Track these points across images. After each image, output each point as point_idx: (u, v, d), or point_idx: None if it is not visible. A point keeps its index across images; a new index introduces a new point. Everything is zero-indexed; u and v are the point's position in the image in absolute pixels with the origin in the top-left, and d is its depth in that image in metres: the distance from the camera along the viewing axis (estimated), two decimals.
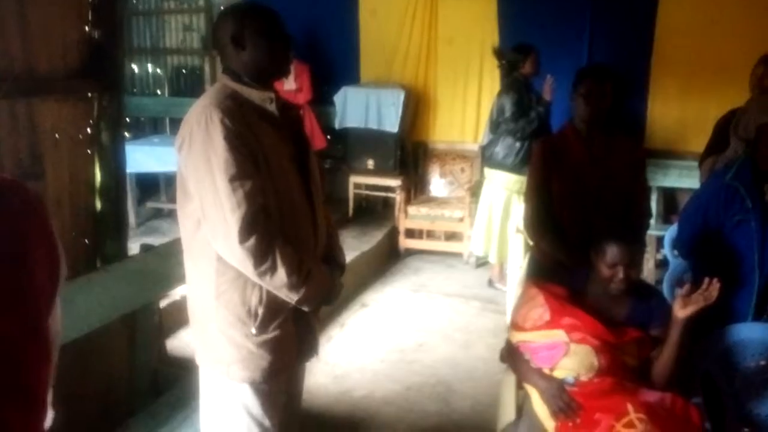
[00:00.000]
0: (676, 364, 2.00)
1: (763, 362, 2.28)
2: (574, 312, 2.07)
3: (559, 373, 2.04)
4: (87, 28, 2.44)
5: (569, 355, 2.00)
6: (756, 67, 3.24)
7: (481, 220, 4.76)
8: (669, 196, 5.10)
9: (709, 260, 2.39)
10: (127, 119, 6.13)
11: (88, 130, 2.51)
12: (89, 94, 2.48)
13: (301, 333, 1.84)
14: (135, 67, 6.91)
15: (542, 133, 4.43)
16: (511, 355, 2.20)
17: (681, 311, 1.96)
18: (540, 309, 2.10)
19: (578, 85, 2.49)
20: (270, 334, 1.73)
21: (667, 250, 3.56)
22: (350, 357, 3.65)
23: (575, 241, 2.41)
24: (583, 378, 2.01)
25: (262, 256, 1.60)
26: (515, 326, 2.17)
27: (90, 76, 2.46)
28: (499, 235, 4.63)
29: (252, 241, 1.58)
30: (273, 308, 1.72)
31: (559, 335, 2.04)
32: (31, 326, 0.82)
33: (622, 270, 2.03)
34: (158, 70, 6.88)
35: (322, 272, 1.78)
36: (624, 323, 2.13)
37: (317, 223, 1.82)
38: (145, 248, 2.59)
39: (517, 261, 3.89)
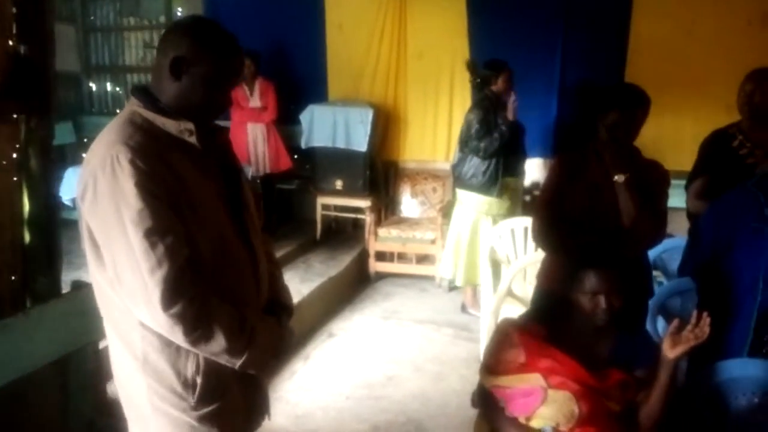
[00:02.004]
0: (665, 408, 1.81)
1: (756, 399, 2.09)
2: (552, 353, 1.87)
3: (536, 423, 1.84)
4: (11, 43, 2.20)
5: (547, 403, 1.79)
6: (744, 84, 3.11)
7: (451, 242, 4.58)
8: None
9: (714, 278, 2.21)
10: (85, 139, 5.90)
11: (14, 155, 2.26)
12: (14, 116, 2.24)
13: (249, 398, 1.60)
14: (93, 86, 6.64)
15: (511, 153, 4.33)
16: (484, 401, 1.99)
17: (671, 351, 1.77)
18: (515, 350, 1.90)
19: (603, 111, 2.30)
20: (213, 406, 1.47)
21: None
22: (314, 394, 3.40)
23: None
24: (563, 428, 1.81)
25: (193, 322, 1.34)
26: (488, 369, 1.96)
27: (15, 97, 2.21)
28: (466, 258, 4.44)
29: (179, 306, 1.31)
30: (214, 376, 1.46)
31: (535, 379, 1.83)
32: None
33: (604, 299, 1.84)
34: (117, 89, 6.60)
35: (269, 326, 1.54)
36: (607, 364, 1.93)
37: (258, 266, 1.56)
38: (78, 285, 2.33)
39: (488, 286, 3.70)
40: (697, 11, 4.72)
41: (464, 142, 4.32)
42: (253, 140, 5.09)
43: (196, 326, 1.34)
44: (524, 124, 4.40)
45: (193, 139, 1.42)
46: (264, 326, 1.50)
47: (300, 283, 4.35)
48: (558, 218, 2.38)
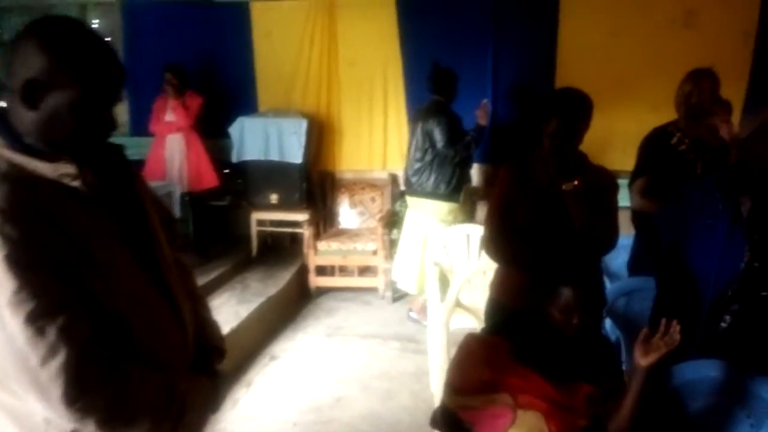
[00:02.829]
0: (634, 417, 1.75)
1: (712, 401, 2.06)
2: (518, 370, 1.77)
3: None
4: None
5: (517, 425, 1.69)
6: (683, 84, 3.16)
7: (405, 250, 4.47)
8: None
9: (671, 275, 2.17)
10: None
11: None
12: None
13: None
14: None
15: (470, 158, 4.35)
16: (448, 422, 1.86)
17: (643, 359, 1.71)
18: (480, 367, 1.79)
19: (546, 119, 2.22)
20: None
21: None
22: (259, 423, 3.20)
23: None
24: None
25: (108, 412, 1.09)
26: (453, 388, 1.84)
27: None
28: (420, 266, 4.37)
29: (87, 398, 1.06)
30: None
31: (504, 399, 1.73)
32: None
33: (577, 316, 1.77)
34: None
35: (200, 388, 1.33)
36: (573, 377, 1.86)
37: (182, 313, 1.33)
38: None
39: (435, 296, 3.61)
40: (620, 12, 4.79)
41: (424, 151, 4.23)
42: (170, 156, 4.75)
43: (113, 416, 1.10)
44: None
45: (77, 184, 1.13)
46: (195, 390, 1.30)
47: (237, 305, 4.13)
48: (509, 228, 2.29)
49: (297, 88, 5.32)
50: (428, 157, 4.22)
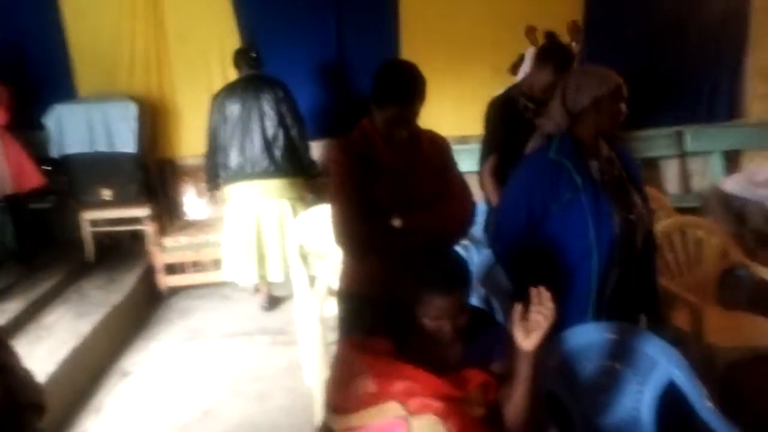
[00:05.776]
0: (534, 403, 1.63)
1: (601, 363, 2.05)
2: (404, 371, 1.59)
3: None
4: None
5: None
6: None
7: (237, 242, 4.13)
8: None
9: (535, 256, 2.09)
10: None
11: None
12: None
13: None
14: None
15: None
16: None
17: (526, 342, 1.55)
18: (362, 378, 1.59)
19: (380, 104, 2.02)
20: None
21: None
22: None
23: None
24: None
25: None
26: (335, 408, 1.62)
27: None
28: (257, 253, 4.12)
29: None
30: None
31: (393, 409, 1.54)
32: None
33: (449, 323, 1.61)
34: None
35: None
36: (461, 364, 1.72)
37: None
38: None
39: (303, 284, 3.36)
40: None
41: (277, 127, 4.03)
42: None
43: None
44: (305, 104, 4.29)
45: None
46: None
47: (76, 319, 3.60)
48: (361, 214, 2.06)
49: (121, 69, 4.77)
50: (282, 133, 3.99)
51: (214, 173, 4.11)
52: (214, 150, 4.07)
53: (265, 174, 4.02)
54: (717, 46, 5.08)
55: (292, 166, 4.05)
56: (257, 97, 3.96)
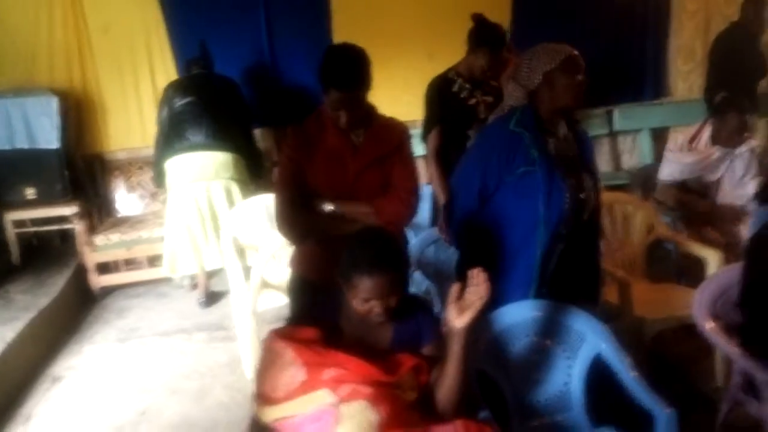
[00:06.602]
0: (465, 383, 1.64)
1: (533, 339, 2.08)
2: (333, 358, 1.57)
3: None
4: None
5: (343, 422, 1.50)
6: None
7: (179, 235, 4.03)
8: None
9: (484, 229, 2.10)
10: None
11: None
12: None
13: None
14: None
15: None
16: None
17: (458, 320, 1.57)
18: (291, 368, 1.56)
19: (323, 88, 1.98)
20: None
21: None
22: None
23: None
24: None
25: None
26: (264, 398, 1.59)
27: None
28: (191, 243, 4.03)
29: None
30: None
31: (322, 397, 1.53)
32: None
33: (380, 304, 1.60)
34: None
35: None
36: (391, 348, 1.72)
37: None
38: None
39: (238, 277, 3.29)
40: None
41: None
42: None
43: None
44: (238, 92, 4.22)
45: None
46: None
47: (1, 326, 3.44)
48: (300, 198, 2.06)
49: (40, 62, 4.54)
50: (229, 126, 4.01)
51: (161, 168, 4.01)
52: (162, 145, 3.98)
53: (202, 146, 3.92)
54: (642, 28, 5.23)
55: (234, 143, 3.98)
56: (206, 93, 3.92)
